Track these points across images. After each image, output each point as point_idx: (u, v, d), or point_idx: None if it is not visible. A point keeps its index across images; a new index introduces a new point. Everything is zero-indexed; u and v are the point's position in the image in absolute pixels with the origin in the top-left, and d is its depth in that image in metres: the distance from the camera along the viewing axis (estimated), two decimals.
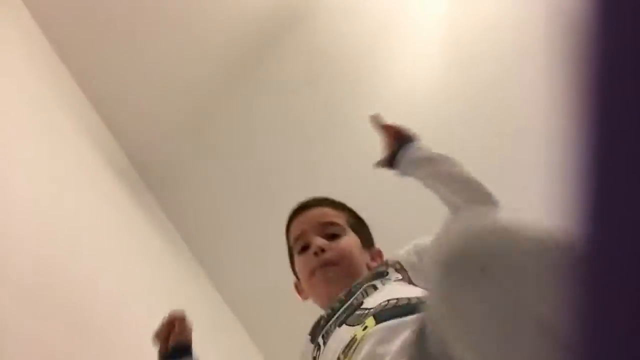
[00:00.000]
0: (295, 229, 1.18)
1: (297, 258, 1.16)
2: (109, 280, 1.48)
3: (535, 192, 2.16)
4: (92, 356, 1.25)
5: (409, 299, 0.86)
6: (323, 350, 0.94)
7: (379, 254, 1.20)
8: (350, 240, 1.14)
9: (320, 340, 0.97)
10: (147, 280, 1.76)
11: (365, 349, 0.78)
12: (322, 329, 0.98)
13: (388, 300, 0.87)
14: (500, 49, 2.05)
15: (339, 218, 1.18)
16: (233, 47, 2.00)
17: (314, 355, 0.98)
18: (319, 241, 1.10)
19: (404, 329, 0.76)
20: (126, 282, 1.58)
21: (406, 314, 0.81)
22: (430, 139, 2.07)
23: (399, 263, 1.08)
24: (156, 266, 1.90)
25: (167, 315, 1.04)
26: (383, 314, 0.84)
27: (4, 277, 1.05)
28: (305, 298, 1.18)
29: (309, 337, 1.03)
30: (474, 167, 1.79)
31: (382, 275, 1.03)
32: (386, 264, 1.08)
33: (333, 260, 1.09)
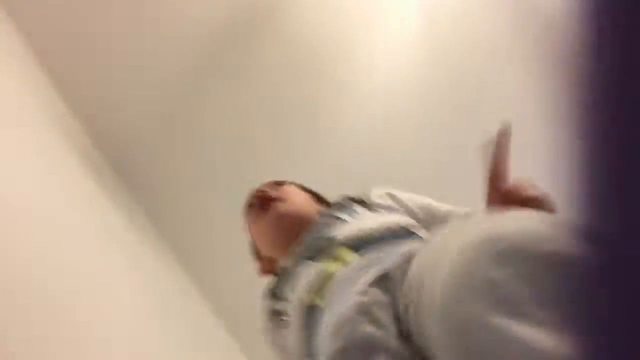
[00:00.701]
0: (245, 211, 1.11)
1: (247, 219, 1.07)
2: (88, 282, 1.45)
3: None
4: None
5: (389, 227, 0.79)
6: (289, 300, 0.83)
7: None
8: (295, 188, 1.07)
9: (280, 287, 0.87)
10: (127, 277, 1.73)
11: (347, 281, 0.69)
12: (286, 273, 0.87)
13: (365, 231, 0.78)
14: (475, 38, 2.07)
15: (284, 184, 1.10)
16: (210, 41, 1.97)
17: (274, 308, 0.89)
18: (260, 187, 1.05)
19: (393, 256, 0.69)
20: (106, 283, 1.56)
21: (390, 239, 0.74)
22: (408, 128, 2.10)
23: (365, 200, 0.98)
24: (139, 267, 1.88)
25: None
26: (362, 244, 0.75)
27: None
28: (267, 270, 1.06)
29: (267, 292, 0.93)
30: (453, 156, 1.82)
31: (344, 207, 0.94)
32: (351, 199, 0.98)
33: (280, 196, 1.00)
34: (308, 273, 0.78)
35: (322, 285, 0.72)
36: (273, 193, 1.00)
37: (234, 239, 2.14)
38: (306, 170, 2.06)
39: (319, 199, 1.10)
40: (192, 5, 1.91)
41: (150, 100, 2.01)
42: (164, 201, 2.16)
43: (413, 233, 0.80)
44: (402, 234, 0.78)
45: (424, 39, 2.10)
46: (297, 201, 1.01)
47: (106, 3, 1.84)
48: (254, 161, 2.15)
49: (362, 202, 0.97)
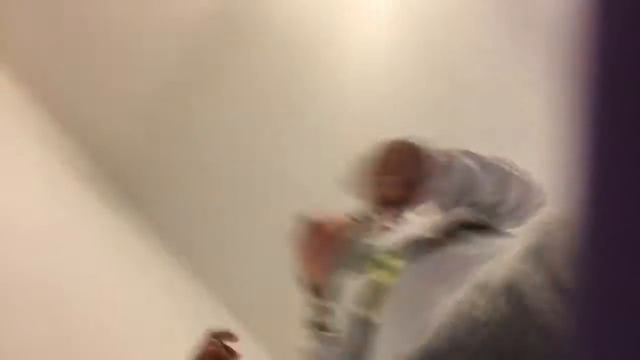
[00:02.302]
0: None
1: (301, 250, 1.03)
2: (88, 285, 1.49)
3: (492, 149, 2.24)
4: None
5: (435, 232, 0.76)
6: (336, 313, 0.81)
7: None
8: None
9: (327, 304, 0.85)
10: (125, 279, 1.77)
11: (404, 292, 0.67)
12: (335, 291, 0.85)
13: (412, 240, 0.76)
14: (451, 11, 2.08)
15: None
16: (192, 36, 1.98)
17: (319, 321, 0.88)
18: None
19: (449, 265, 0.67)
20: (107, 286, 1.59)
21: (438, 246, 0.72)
22: (388, 103, 2.12)
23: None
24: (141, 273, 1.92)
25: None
26: (412, 253, 0.72)
27: None
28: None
29: (312, 307, 0.92)
30: (432, 125, 1.82)
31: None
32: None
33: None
34: (355, 284, 0.76)
35: (376, 298, 0.71)
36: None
37: (238, 232, 2.19)
38: (291, 149, 2.10)
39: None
40: (175, 4, 1.92)
41: (141, 101, 2.03)
42: (161, 200, 2.18)
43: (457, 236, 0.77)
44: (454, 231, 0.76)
45: (401, 15, 2.11)
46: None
47: (90, 19, 1.85)
48: (245, 150, 2.16)
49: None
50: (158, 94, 2.02)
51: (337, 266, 0.88)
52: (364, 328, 0.72)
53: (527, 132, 2.04)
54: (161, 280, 2.03)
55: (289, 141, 2.16)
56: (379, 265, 0.74)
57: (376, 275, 0.73)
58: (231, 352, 0.87)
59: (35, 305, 1.22)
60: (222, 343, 0.86)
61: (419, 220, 0.86)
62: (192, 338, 0.91)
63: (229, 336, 0.88)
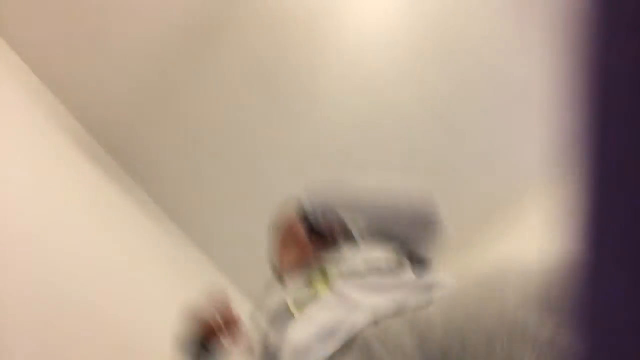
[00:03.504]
0: None
1: (278, 242, 1.19)
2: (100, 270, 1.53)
3: (487, 127, 2.25)
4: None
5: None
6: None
7: None
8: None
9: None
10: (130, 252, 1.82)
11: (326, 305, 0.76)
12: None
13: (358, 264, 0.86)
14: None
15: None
16: (191, 20, 2.00)
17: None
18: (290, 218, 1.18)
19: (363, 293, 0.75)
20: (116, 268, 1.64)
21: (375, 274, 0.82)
22: (386, 79, 2.13)
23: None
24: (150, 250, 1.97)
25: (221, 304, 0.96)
26: (349, 275, 0.83)
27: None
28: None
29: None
30: (441, 134, 1.81)
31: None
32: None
33: (307, 245, 1.12)
34: (295, 287, 0.87)
35: (305, 302, 0.80)
36: (304, 240, 1.08)
37: (226, 198, 2.25)
38: (288, 129, 2.13)
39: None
40: None
41: (138, 78, 2.06)
42: (156, 168, 2.22)
43: (396, 271, 0.85)
44: (386, 270, 0.84)
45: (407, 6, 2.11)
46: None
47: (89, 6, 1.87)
48: (242, 125, 2.19)
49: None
50: (156, 69, 2.05)
51: (301, 269, 0.98)
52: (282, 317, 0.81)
53: (533, 128, 2.03)
54: (165, 252, 2.09)
55: (287, 118, 2.19)
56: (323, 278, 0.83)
57: (318, 286, 0.82)
58: (228, 319, 0.94)
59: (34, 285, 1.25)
60: (218, 311, 0.93)
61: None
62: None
63: (224, 302, 0.94)
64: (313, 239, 1.08)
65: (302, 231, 1.09)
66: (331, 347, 0.66)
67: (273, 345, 0.77)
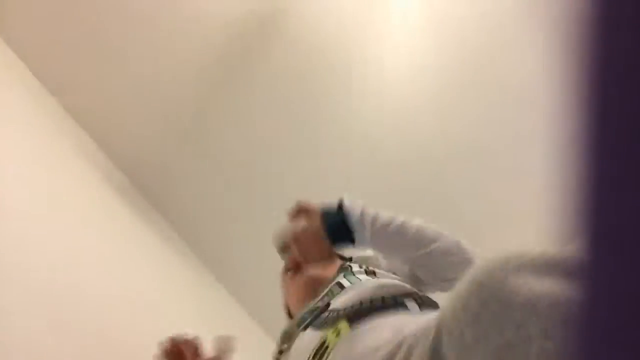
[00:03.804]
0: None
1: (285, 282, 1.20)
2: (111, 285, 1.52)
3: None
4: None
5: (382, 297, 0.82)
6: (286, 354, 0.91)
7: None
8: (312, 234, 1.11)
9: (284, 346, 0.94)
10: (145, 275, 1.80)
11: (340, 353, 0.73)
12: (288, 335, 0.95)
13: (361, 302, 0.82)
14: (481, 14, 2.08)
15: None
16: (220, 47, 2.03)
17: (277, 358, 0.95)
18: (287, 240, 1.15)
19: (382, 330, 0.71)
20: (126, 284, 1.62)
21: (382, 310, 0.77)
22: (419, 122, 2.12)
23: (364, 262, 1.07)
24: (160, 269, 1.95)
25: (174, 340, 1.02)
26: (356, 316, 0.79)
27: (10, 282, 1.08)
28: None
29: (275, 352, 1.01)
30: (462, 150, 1.76)
31: (345, 269, 1.02)
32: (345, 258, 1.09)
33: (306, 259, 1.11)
34: (309, 341, 0.83)
35: (320, 354, 0.77)
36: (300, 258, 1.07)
37: (249, 232, 2.22)
38: (313, 169, 2.11)
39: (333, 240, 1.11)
40: (203, 13, 1.96)
41: (160, 107, 2.08)
42: (188, 208, 2.22)
43: (400, 303, 0.82)
44: (390, 304, 0.81)
45: (427, 27, 2.11)
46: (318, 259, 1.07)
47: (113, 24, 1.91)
48: (262, 158, 2.19)
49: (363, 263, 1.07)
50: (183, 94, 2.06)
51: (302, 314, 0.96)
52: None
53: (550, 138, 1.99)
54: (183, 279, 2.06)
55: (310, 153, 2.17)
56: (336, 329, 0.80)
57: (329, 336, 0.79)
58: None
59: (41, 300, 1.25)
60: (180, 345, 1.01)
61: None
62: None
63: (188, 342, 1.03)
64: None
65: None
66: None
67: None
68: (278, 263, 1.20)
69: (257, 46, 2.03)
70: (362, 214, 1.01)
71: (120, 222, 1.88)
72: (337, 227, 1.00)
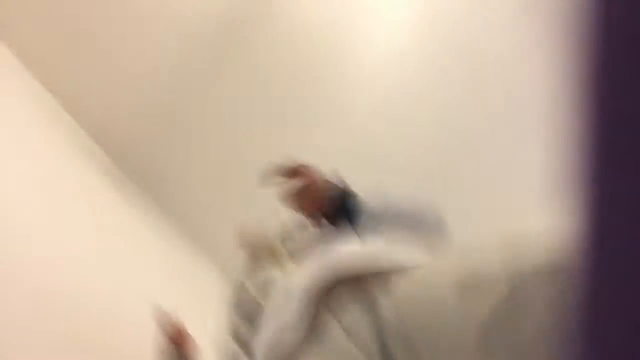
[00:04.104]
0: None
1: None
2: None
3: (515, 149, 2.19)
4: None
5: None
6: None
7: None
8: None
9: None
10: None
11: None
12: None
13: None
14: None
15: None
16: (211, 32, 2.02)
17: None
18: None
19: None
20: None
21: None
22: (409, 107, 2.11)
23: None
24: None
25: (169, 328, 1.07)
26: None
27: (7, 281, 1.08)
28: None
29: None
30: (452, 135, 1.76)
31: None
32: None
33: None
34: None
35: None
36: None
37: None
38: (307, 149, 2.12)
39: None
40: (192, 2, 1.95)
41: (144, 90, 2.07)
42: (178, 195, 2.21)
43: None
44: None
45: (420, 16, 2.11)
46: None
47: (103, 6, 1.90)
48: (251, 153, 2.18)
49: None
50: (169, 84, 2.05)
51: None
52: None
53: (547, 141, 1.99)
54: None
55: (303, 135, 2.16)
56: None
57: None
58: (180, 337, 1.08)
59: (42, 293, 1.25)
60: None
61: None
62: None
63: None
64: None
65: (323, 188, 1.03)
66: None
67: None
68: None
69: (246, 37, 2.03)
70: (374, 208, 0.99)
71: (120, 221, 1.89)
72: (341, 203, 0.99)
